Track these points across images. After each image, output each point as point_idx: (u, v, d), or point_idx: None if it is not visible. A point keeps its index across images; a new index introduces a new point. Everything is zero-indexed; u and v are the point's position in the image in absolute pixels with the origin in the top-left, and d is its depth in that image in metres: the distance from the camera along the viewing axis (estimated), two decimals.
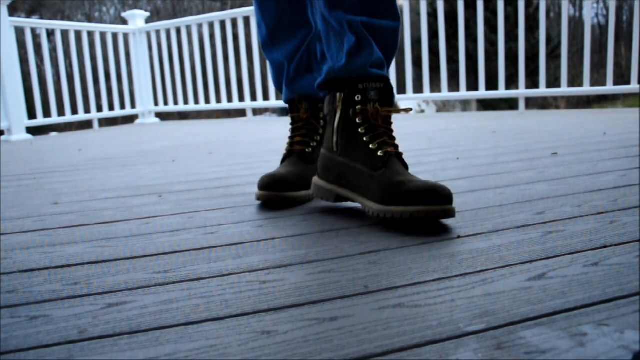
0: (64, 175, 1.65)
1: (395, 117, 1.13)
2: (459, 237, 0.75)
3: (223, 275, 0.65)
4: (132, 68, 4.61)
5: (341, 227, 0.84)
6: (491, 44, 3.33)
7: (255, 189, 1.19)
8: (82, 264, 0.73)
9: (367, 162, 0.88)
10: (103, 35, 4.37)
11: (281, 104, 4.25)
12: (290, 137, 1.13)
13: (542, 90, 3.29)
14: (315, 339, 0.47)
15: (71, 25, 4.12)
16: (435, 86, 3.71)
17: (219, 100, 4.42)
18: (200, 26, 4.42)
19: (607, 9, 5.50)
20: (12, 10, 3.78)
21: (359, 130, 0.90)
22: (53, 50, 4.22)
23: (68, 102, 4.05)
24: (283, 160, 1.12)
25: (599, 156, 1.37)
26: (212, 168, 1.59)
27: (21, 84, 3.63)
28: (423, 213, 0.78)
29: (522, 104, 3.40)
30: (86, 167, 1.83)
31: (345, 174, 0.92)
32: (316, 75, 1.11)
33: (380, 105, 0.90)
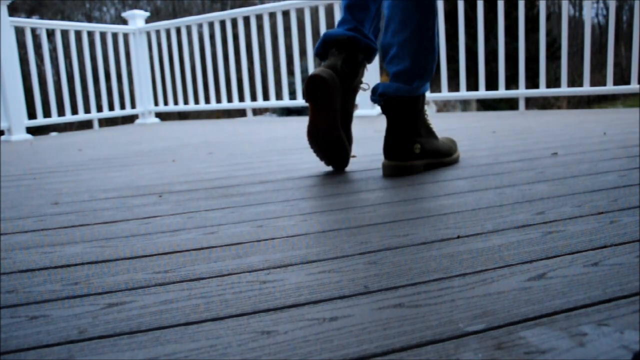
0: (64, 175, 1.65)
1: None
2: (459, 237, 0.75)
3: (223, 275, 0.65)
4: (132, 68, 4.61)
5: (341, 227, 0.84)
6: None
7: (255, 189, 1.19)
8: (82, 264, 0.73)
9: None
10: (103, 35, 4.37)
11: (281, 103, 4.25)
12: None
13: (542, 90, 3.29)
14: (315, 339, 0.47)
15: (71, 25, 4.12)
16: (435, 86, 3.70)
17: (219, 100, 4.42)
18: (200, 26, 4.42)
19: (607, 9, 5.50)
20: (12, 10, 3.78)
21: None
22: (53, 50, 4.22)
23: (68, 102, 4.05)
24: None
25: (599, 156, 1.37)
26: (212, 168, 1.59)
27: (21, 84, 3.63)
28: None
29: (522, 104, 3.39)
30: (86, 167, 1.82)
31: None
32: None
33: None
